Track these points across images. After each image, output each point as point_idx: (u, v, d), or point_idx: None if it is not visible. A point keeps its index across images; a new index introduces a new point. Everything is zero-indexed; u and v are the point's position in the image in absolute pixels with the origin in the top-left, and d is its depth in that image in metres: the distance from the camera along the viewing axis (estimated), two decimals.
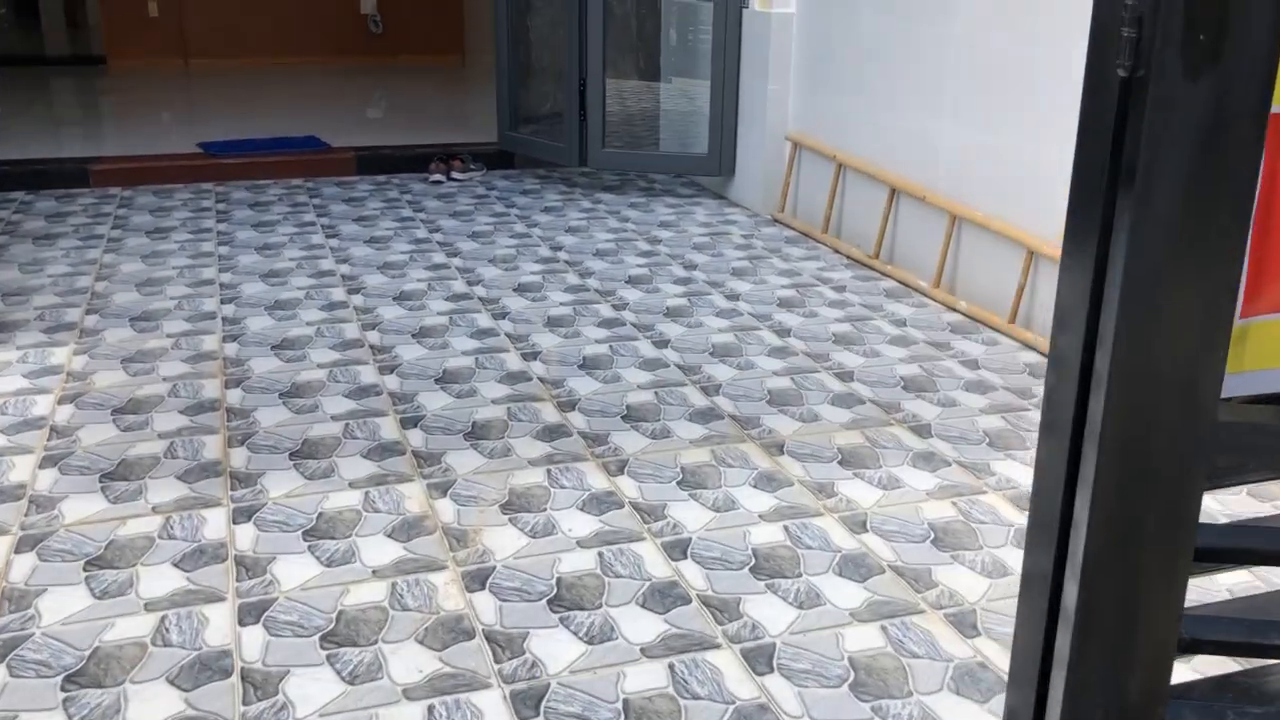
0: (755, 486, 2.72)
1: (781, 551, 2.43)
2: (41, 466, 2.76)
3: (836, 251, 4.78)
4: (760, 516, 2.58)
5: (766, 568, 2.37)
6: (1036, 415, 3.17)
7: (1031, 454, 2.93)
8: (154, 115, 8.24)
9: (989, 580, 2.36)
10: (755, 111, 5.37)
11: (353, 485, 2.69)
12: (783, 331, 3.79)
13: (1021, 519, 2.61)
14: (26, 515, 2.53)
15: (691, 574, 2.34)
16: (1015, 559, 2.44)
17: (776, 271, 4.49)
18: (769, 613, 2.22)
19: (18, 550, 2.38)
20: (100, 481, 2.69)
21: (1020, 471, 2.84)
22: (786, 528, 2.53)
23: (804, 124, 5.16)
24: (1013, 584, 2.34)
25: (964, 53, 4.02)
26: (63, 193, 5.77)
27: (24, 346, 3.57)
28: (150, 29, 10.70)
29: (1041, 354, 3.62)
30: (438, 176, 6.07)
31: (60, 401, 3.15)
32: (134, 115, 8.25)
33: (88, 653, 2.05)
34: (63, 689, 1.95)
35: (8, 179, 5.77)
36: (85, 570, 2.31)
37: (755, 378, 3.39)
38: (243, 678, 1.99)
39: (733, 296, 4.16)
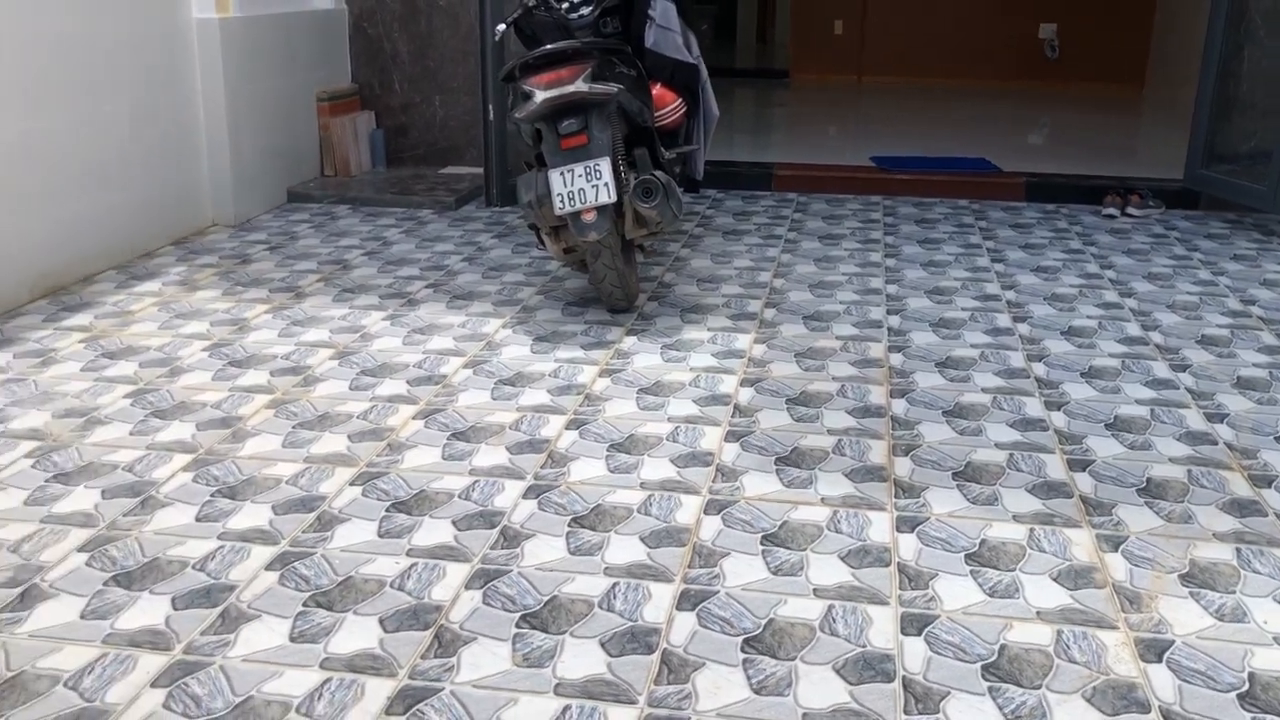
0: None
1: None
2: (726, 440, 3.03)
3: None
4: None
5: None
6: None
7: None
8: (830, 127, 8.74)
9: None
10: None
11: (1016, 518, 2.61)
12: None
13: None
14: (714, 481, 2.78)
15: None
16: None
17: None
18: None
19: (706, 512, 2.62)
20: (776, 464, 2.88)
21: None
22: None
23: None
24: None
25: None
26: (747, 193, 6.32)
27: (713, 329, 3.94)
28: (831, 47, 11.38)
29: None
30: (1111, 210, 5.75)
31: (742, 384, 3.43)
32: (812, 126, 8.82)
33: (764, 621, 2.19)
34: (742, 650, 2.10)
35: (705, 177, 6.43)
36: (762, 544, 2.48)
37: None
38: (904, 686, 2.00)
39: None
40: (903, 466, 2.87)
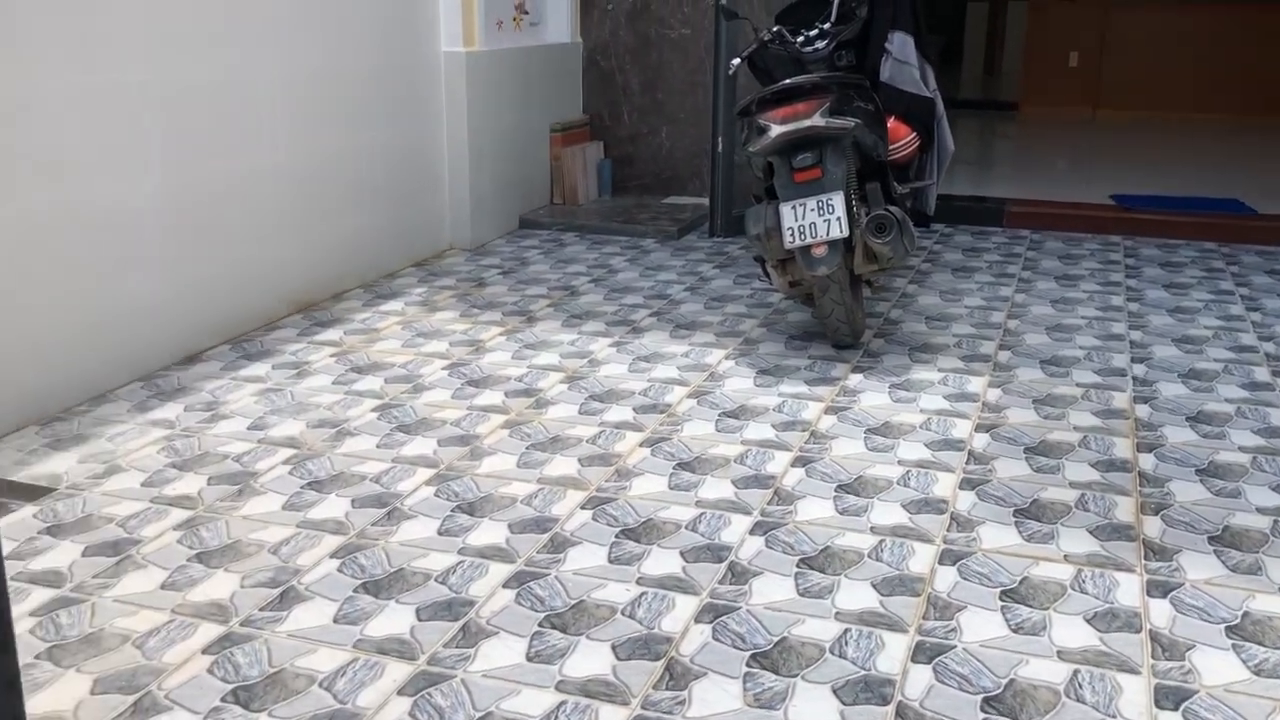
0: None
1: None
2: (960, 487, 2.93)
3: None
4: None
5: None
6: None
7: None
8: (1064, 162, 8.41)
9: None
10: None
11: None
12: None
13: None
14: (948, 530, 2.69)
15: None
16: None
17: None
18: None
19: (940, 561, 2.54)
20: (1014, 516, 2.77)
21: None
22: None
23: None
24: None
25: None
26: (977, 229, 6.13)
27: (944, 370, 3.83)
28: (1066, 78, 10.96)
29: None
30: None
31: (976, 429, 3.32)
32: (1045, 161, 8.50)
33: (1004, 681, 2.10)
34: (982, 709, 2.02)
35: (936, 211, 6.29)
36: (1001, 599, 2.38)
37: None
38: None
39: None
40: (1153, 526, 2.71)
